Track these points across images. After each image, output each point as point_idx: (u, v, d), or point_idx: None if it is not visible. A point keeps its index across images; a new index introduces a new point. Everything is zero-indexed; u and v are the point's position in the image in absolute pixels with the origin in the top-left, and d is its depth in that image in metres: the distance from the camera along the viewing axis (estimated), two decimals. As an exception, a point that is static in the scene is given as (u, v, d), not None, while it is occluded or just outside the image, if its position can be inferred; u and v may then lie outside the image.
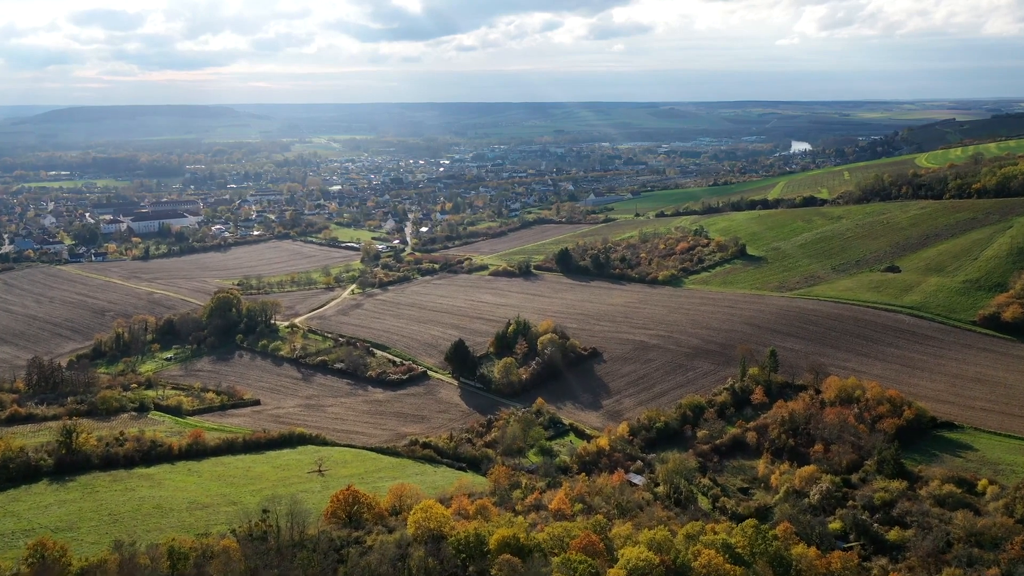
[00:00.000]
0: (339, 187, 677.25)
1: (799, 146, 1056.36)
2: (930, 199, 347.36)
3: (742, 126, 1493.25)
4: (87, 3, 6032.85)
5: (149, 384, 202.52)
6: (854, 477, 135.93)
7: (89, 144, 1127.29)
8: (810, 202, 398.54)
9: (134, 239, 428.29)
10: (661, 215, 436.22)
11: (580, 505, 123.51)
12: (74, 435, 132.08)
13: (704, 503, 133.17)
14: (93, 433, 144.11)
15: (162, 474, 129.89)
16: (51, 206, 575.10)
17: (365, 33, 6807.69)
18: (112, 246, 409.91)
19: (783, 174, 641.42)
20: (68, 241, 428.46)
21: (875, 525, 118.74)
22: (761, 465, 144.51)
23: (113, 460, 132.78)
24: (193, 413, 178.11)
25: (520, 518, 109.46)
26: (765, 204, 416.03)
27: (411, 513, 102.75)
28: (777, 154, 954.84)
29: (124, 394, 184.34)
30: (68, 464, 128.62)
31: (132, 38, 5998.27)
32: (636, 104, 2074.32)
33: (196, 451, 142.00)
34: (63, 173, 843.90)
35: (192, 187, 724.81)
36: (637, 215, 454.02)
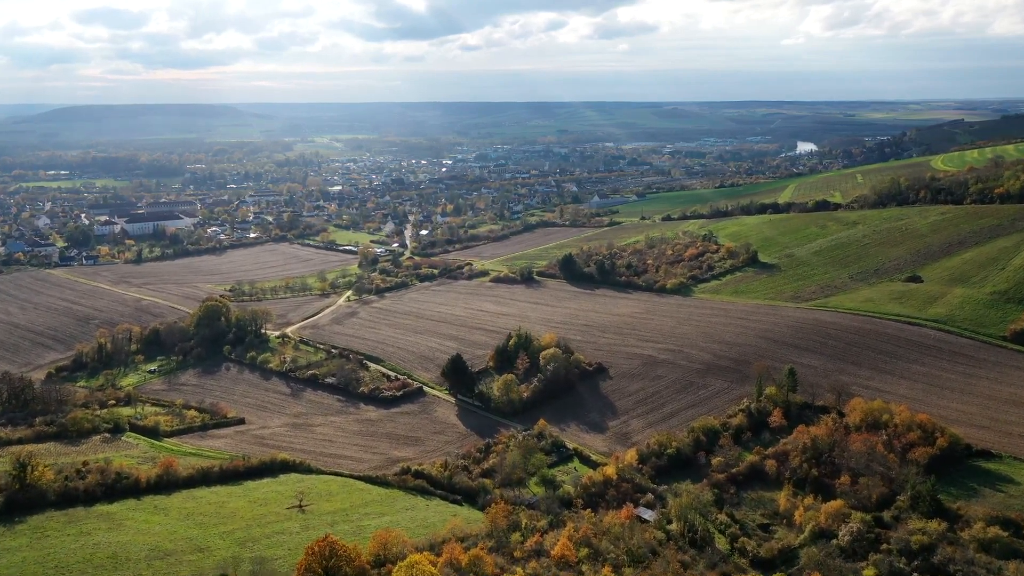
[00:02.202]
0: (339, 187, 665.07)
1: (805, 146, 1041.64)
2: (950, 204, 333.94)
3: (746, 126, 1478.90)
4: (90, 2, 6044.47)
5: (128, 400, 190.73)
6: (886, 515, 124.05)
7: (90, 143, 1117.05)
8: (823, 206, 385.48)
9: (128, 241, 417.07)
10: (668, 218, 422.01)
11: (586, 550, 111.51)
12: (29, 468, 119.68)
13: (722, 543, 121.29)
14: (56, 461, 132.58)
15: (125, 512, 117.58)
16: (47, 206, 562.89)
17: (369, 32, 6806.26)
18: (104, 248, 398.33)
19: (792, 176, 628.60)
20: (60, 243, 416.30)
21: (914, 574, 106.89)
22: (782, 498, 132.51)
23: (72, 496, 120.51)
24: (171, 434, 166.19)
25: (519, 570, 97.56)
26: (776, 208, 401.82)
27: (395, 569, 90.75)
28: (783, 155, 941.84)
29: (98, 413, 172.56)
30: (20, 502, 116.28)
31: (136, 37, 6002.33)
32: (640, 104, 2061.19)
33: (166, 483, 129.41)
34: (62, 173, 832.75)
35: (191, 187, 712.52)
36: (643, 218, 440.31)
